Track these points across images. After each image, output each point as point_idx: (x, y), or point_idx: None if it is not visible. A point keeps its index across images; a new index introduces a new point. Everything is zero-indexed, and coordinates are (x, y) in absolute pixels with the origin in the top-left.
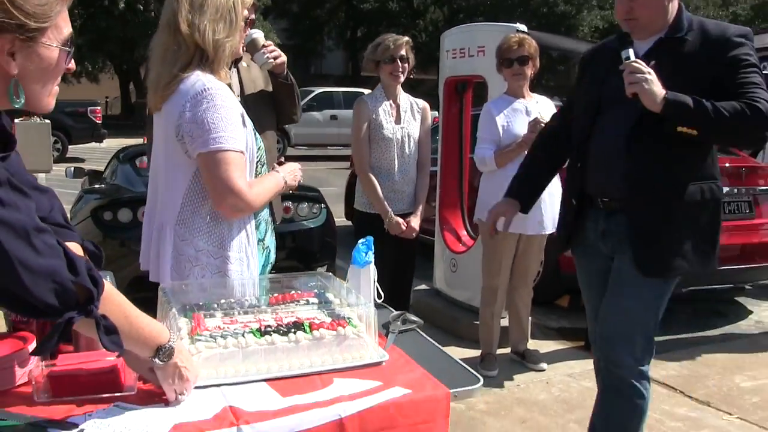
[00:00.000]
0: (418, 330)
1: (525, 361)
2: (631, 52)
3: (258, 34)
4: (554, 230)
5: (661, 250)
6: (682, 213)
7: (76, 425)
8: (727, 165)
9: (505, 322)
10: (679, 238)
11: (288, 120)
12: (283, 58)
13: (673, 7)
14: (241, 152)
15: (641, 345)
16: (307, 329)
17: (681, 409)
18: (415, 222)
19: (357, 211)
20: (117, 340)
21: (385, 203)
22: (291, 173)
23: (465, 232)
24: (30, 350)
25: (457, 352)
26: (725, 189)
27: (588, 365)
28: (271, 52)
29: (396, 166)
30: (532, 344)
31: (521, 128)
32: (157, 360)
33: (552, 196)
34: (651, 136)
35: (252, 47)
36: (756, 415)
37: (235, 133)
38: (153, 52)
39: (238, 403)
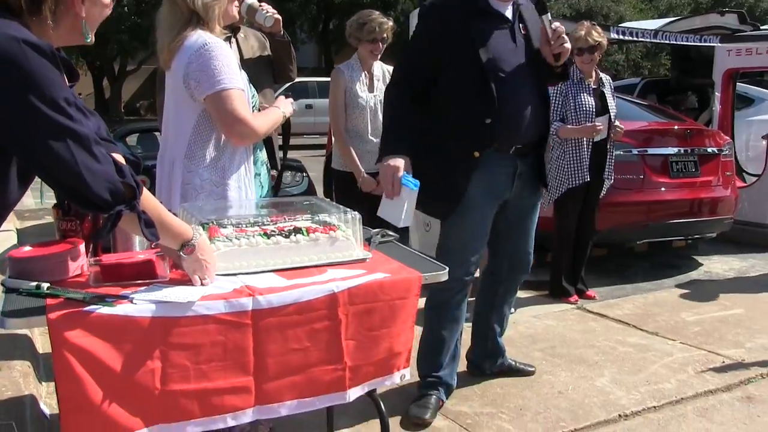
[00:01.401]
0: (396, 242)
1: None
2: (550, 15)
3: (251, 1)
4: None
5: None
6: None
7: (126, 297)
8: (675, 128)
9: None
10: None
11: (286, 77)
12: (278, 15)
13: None
14: (242, 90)
15: None
16: (305, 233)
17: (632, 338)
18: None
19: (334, 171)
20: (154, 232)
21: (359, 163)
22: (285, 104)
23: None
24: (80, 249)
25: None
26: (674, 150)
27: (550, 308)
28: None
29: (369, 130)
30: None
31: None
32: (182, 253)
33: None
34: (542, 89)
35: (251, 11)
36: (696, 340)
37: (234, 75)
38: (159, 22)
39: (252, 283)
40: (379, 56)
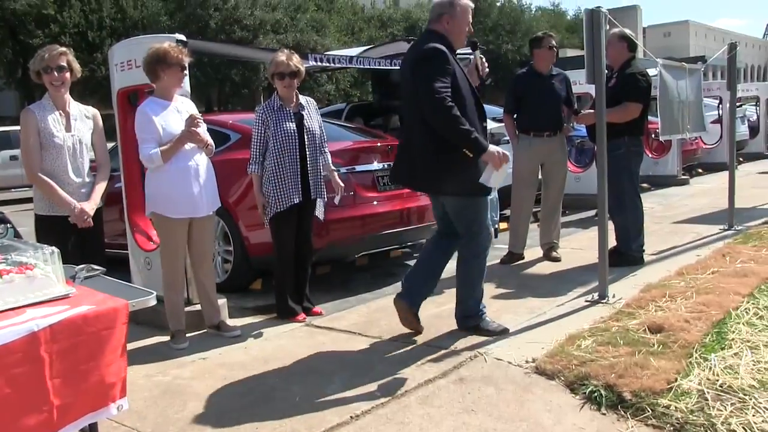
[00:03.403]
0: (103, 275)
1: (221, 331)
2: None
3: None
4: (215, 208)
5: None
6: None
7: None
8: (378, 145)
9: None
10: None
11: None
12: None
13: None
14: None
15: None
16: None
17: (359, 345)
18: (87, 205)
19: (39, 217)
20: None
21: (68, 197)
22: None
23: (154, 232)
24: None
25: (161, 339)
26: (379, 166)
27: (280, 329)
28: None
29: (70, 170)
30: (232, 322)
31: (177, 126)
32: None
33: (207, 178)
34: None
35: None
36: (416, 337)
37: None
38: None
39: None
40: (63, 89)
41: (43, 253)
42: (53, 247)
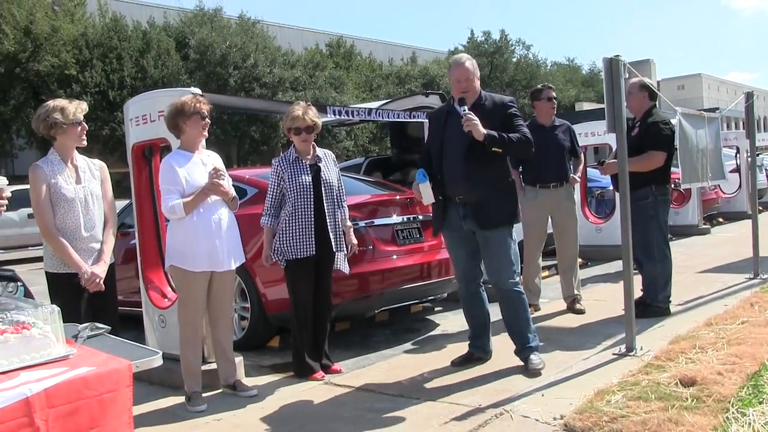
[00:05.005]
0: (107, 334)
1: (237, 391)
2: (466, 108)
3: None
4: (238, 263)
5: (490, 216)
6: (495, 195)
7: None
8: (397, 198)
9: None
10: (496, 208)
11: None
12: None
13: (478, 89)
14: None
15: (512, 266)
16: None
17: (379, 404)
18: (98, 269)
19: (50, 275)
20: None
21: (79, 260)
22: None
23: (169, 289)
24: None
25: (175, 400)
26: (398, 219)
27: (298, 388)
28: None
29: (82, 224)
30: (249, 381)
31: (201, 178)
32: None
33: (229, 232)
34: (474, 158)
35: None
36: (438, 395)
37: None
38: None
39: None
40: (83, 140)
41: (43, 312)
42: (54, 306)
